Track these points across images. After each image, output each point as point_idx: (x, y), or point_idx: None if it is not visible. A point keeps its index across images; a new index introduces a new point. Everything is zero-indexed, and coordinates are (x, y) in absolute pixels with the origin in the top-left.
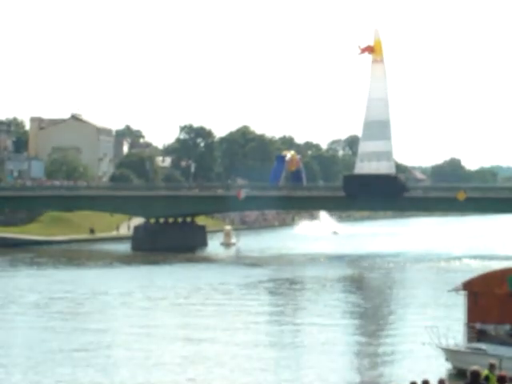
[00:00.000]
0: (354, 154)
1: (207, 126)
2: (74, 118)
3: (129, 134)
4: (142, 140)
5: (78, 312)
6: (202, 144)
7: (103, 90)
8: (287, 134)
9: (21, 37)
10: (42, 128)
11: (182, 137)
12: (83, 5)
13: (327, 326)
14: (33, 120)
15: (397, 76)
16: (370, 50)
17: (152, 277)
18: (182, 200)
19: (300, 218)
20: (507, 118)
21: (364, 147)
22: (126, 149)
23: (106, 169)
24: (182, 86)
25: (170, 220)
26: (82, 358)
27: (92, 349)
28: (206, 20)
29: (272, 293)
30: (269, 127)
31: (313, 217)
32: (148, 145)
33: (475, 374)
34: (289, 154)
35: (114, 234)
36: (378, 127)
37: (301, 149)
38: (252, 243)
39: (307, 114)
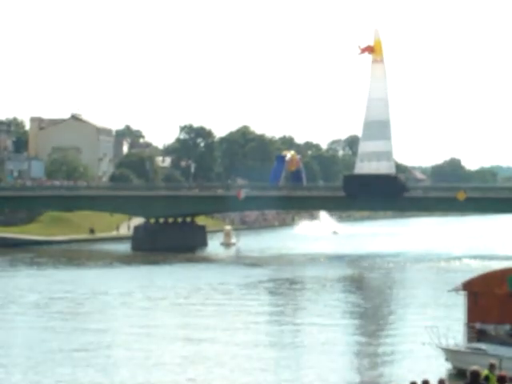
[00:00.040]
0: (354, 153)
1: (207, 126)
2: (74, 118)
3: (129, 133)
4: (141, 140)
5: (77, 312)
6: (202, 144)
7: (103, 90)
8: (287, 134)
9: (21, 37)
10: (41, 128)
11: (181, 137)
12: (83, 5)
13: (327, 325)
14: (33, 120)
15: (397, 76)
16: (370, 49)
17: (152, 277)
18: (182, 200)
19: (300, 218)
20: (507, 118)
21: (364, 147)
22: (125, 149)
23: (105, 169)
24: (182, 86)
25: (170, 220)
26: (81, 357)
27: (92, 349)
28: (206, 20)
29: (272, 293)
30: (269, 127)
31: (313, 217)
32: (148, 145)
33: (475, 374)
34: (289, 154)
35: (113, 234)
36: (378, 127)
37: (301, 149)
38: (252, 243)
39: (307, 114)
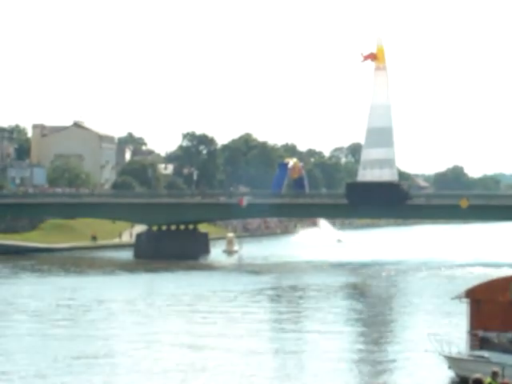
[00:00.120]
0: (357, 161)
1: (210, 134)
2: (77, 125)
3: (131, 141)
4: (144, 147)
5: (80, 319)
6: (205, 151)
7: (105, 97)
8: (290, 142)
9: (23, 44)
10: (44, 135)
11: (184, 144)
12: (85, 12)
13: (330, 333)
14: (35, 127)
15: (399, 83)
16: (372, 57)
17: (154, 284)
18: (185, 207)
19: (302, 226)
20: (510, 125)
21: (367, 155)
22: (128, 156)
23: (108, 176)
24: (185, 94)
25: (173, 227)
26: (84, 365)
27: (94, 356)
28: (209, 27)
29: (275, 300)
30: (271, 135)
31: (315, 224)
32: (150, 152)
33: (478, 382)
34: (291, 162)
35: (116, 241)
36: (381, 134)
37: (303, 156)
38: (254, 250)
39: (310, 122)
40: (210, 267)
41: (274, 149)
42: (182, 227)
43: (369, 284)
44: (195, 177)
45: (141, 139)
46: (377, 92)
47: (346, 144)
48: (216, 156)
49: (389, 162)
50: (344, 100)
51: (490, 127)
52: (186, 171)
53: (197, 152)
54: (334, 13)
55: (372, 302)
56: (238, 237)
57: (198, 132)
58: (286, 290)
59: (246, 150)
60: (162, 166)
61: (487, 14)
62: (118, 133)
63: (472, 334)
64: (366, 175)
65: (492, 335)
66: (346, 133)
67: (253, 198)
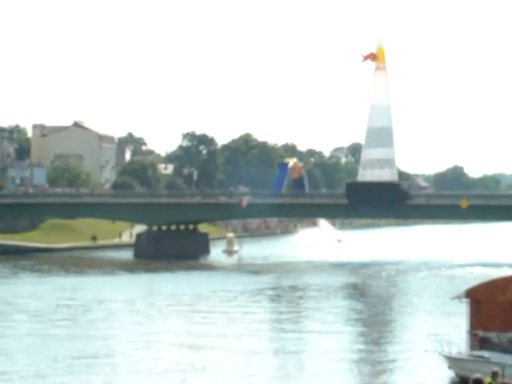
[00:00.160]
0: (357, 161)
1: (210, 134)
2: (77, 125)
3: (131, 141)
4: (144, 147)
5: (79, 319)
6: (205, 151)
7: (105, 97)
8: (290, 142)
9: (23, 44)
10: (44, 135)
11: (184, 144)
12: (86, 12)
13: (330, 333)
14: (35, 127)
15: (399, 83)
16: (372, 57)
17: (154, 284)
18: (185, 207)
19: (302, 226)
20: (510, 125)
21: (367, 155)
22: (128, 156)
23: (108, 176)
24: (185, 94)
25: (173, 227)
26: (84, 365)
27: (94, 356)
28: (209, 28)
29: (275, 300)
30: (271, 134)
31: (315, 224)
32: (150, 152)
33: (478, 382)
34: (291, 162)
35: (116, 241)
36: (381, 134)
37: (303, 156)
38: (254, 250)
39: (310, 122)
40: (209, 267)
41: (273, 149)
42: (182, 227)
43: (369, 284)
44: (195, 177)
45: (141, 139)
46: (377, 92)
47: (346, 144)
48: (216, 156)
49: (389, 162)
50: (344, 100)
51: (490, 127)
52: (186, 171)
53: (197, 152)
54: (334, 13)
55: (372, 302)
56: (238, 237)
57: (198, 132)
58: (286, 290)
59: (246, 150)
60: (162, 166)
61: (487, 14)
62: (118, 133)
63: (472, 334)
64: (366, 175)
65: (492, 335)
66: (345, 133)
67: (253, 198)
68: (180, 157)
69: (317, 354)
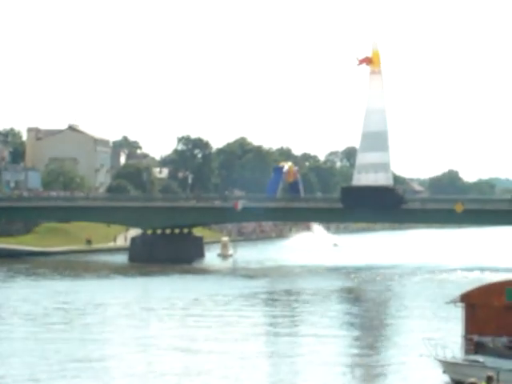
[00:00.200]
0: (352, 165)
1: (204, 137)
2: (71, 128)
3: (126, 144)
4: (139, 151)
5: (74, 323)
6: (200, 155)
7: (100, 100)
8: (285, 146)
9: (18, 48)
10: (39, 138)
11: (179, 148)
12: (80, 15)
13: (325, 337)
14: (30, 130)
15: (395, 87)
16: (367, 61)
17: (149, 288)
18: (179, 211)
19: (297, 230)
20: (505, 129)
21: (361, 159)
22: (123, 160)
23: (102, 180)
24: (180, 97)
25: (167, 231)
26: (78, 369)
27: (89, 360)
28: (203, 31)
29: (270, 304)
30: (266, 138)
31: (309, 229)
32: (145, 156)
33: None
34: (286, 166)
35: (111, 245)
36: (376, 139)
37: (298, 160)
38: (249, 254)
39: (305, 126)
40: (204, 271)
41: (268, 153)
42: (177, 231)
43: (364, 288)
44: (190, 180)
45: (136, 143)
46: (372, 96)
47: (341, 148)
48: (211, 160)
49: (384, 166)
50: (339, 104)
51: (485, 131)
52: (180, 175)
53: (192, 156)
54: (330, 17)
55: (367, 306)
56: (233, 241)
57: (193, 136)
58: (281, 294)
59: (241, 154)
60: (157, 169)
61: (482, 19)
62: (113, 136)
63: (467, 338)
64: (361, 179)
65: (487, 340)
66: (341, 137)
67: (248, 202)
68: (175, 160)
69: (312, 358)
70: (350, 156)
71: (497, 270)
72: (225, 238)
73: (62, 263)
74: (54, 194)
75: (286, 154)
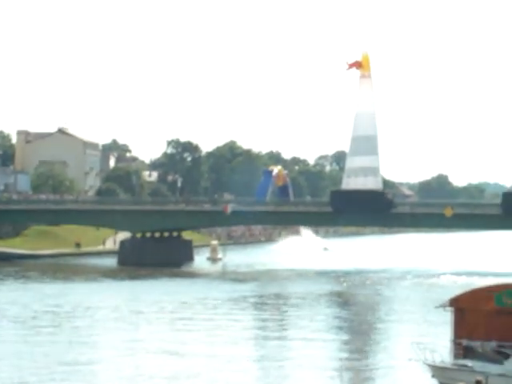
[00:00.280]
0: (341, 169)
1: (194, 141)
2: (61, 131)
3: (115, 148)
4: (128, 154)
5: (63, 326)
6: (189, 158)
7: (90, 104)
8: (274, 149)
9: (7, 51)
10: (28, 141)
11: (168, 151)
12: (69, 19)
13: (314, 341)
14: (19, 133)
15: (384, 91)
16: (357, 65)
17: (138, 291)
18: (169, 215)
19: (287, 234)
20: (495, 134)
21: (351, 163)
22: (112, 163)
23: (92, 183)
24: (169, 101)
25: (157, 234)
26: (67, 372)
27: (77, 363)
28: (192, 35)
29: (258, 308)
30: (256, 142)
31: (297, 233)
32: (134, 159)
33: None
34: (276, 169)
35: (100, 248)
36: (366, 143)
37: (288, 164)
38: (238, 258)
39: (294, 129)
40: (193, 275)
41: (258, 156)
42: (166, 234)
43: (353, 292)
44: (179, 184)
45: (125, 146)
46: (362, 100)
47: (330, 152)
48: (200, 163)
49: (373, 170)
50: (329, 108)
51: (475, 136)
52: (170, 178)
53: (181, 159)
54: (320, 21)
55: (356, 310)
56: (222, 244)
57: (183, 139)
58: (271, 298)
59: (231, 158)
60: (147, 173)
61: (471, 25)
62: (103, 139)
63: (456, 342)
64: (351, 183)
65: (476, 344)
66: (330, 141)
67: (237, 206)
68: (164, 164)
69: (301, 361)
70: (340, 160)
71: (486, 274)
72: (214, 242)
73: (51, 266)
74: (43, 197)
75: (275, 157)
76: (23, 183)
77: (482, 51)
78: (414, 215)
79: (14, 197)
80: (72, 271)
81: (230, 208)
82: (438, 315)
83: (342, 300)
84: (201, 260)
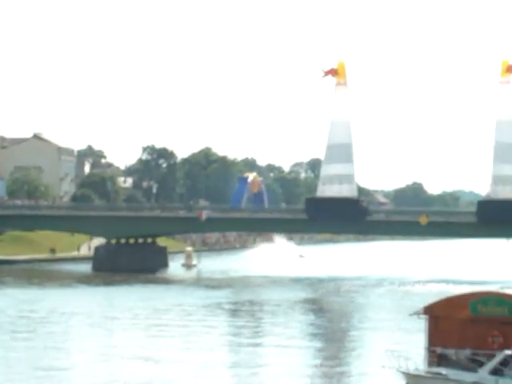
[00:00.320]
0: (316, 176)
1: (169, 147)
2: (36, 137)
3: (90, 154)
4: (103, 160)
5: (38, 332)
6: (164, 165)
7: (65, 109)
8: (249, 156)
9: None
10: (3, 147)
11: (144, 157)
12: (44, 24)
13: (288, 348)
14: None
15: (360, 99)
16: (333, 72)
17: (112, 297)
18: (144, 221)
19: (261, 241)
20: (469, 142)
21: (326, 170)
22: (87, 169)
23: (67, 188)
24: (145, 107)
25: (131, 241)
26: (42, 377)
27: (52, 369)
28: (168, 41)
29: (232, 314)
30: (231, 149)
31: (271, 240)
32: (110, 165)
33: None
34: (251, 176)
35: (74, 254)
36: (341, 150)
37: (263, 171)
38: (213, 265)
39: (270, 137)
40: (168, 281)
41: (233, 163)
42: (141, 241)
43: (328, 299)
44: (154, 190)
45: (100, 152)
46: (337, 108)
47: (305, 159)
48: (176, 170)
49: (348, 178)
50: (304, 115)
51: (450, 144)
52: (145, 184)
53: (156, 165)
54: (296, 28)
55: (330, 318)
56: (197, 251)
57: (158, 145)
58: (245, 305)
59: (206, 164)
60: (122, 179)
61: (447, 31)
62: (78, 145)
63: (430, 350)
64: (326, 191)
65: (450, 352)
66: (305, 148)
67: (212, 212)
68: (139, 170)
69: (275, 368)
70: (315, 167)
71: (461, 282)
72: (189, 248)
73: (26, 272)
74: (18, 202)
75: (250, 164)
76: None
77: (457, 60)
78: (389, 223)
79: None
80: (47, 277)
81: (204, 214)
82: (412, 323)
83: (317, 307)
84: (175, 266)
